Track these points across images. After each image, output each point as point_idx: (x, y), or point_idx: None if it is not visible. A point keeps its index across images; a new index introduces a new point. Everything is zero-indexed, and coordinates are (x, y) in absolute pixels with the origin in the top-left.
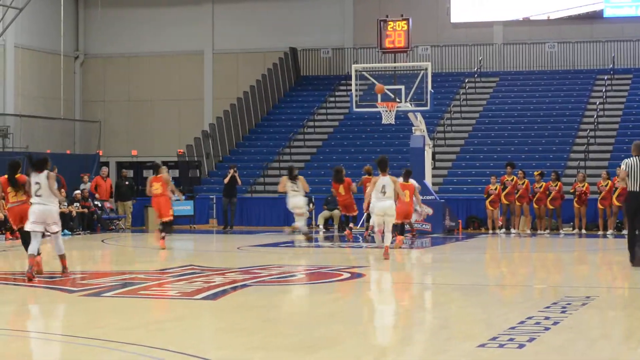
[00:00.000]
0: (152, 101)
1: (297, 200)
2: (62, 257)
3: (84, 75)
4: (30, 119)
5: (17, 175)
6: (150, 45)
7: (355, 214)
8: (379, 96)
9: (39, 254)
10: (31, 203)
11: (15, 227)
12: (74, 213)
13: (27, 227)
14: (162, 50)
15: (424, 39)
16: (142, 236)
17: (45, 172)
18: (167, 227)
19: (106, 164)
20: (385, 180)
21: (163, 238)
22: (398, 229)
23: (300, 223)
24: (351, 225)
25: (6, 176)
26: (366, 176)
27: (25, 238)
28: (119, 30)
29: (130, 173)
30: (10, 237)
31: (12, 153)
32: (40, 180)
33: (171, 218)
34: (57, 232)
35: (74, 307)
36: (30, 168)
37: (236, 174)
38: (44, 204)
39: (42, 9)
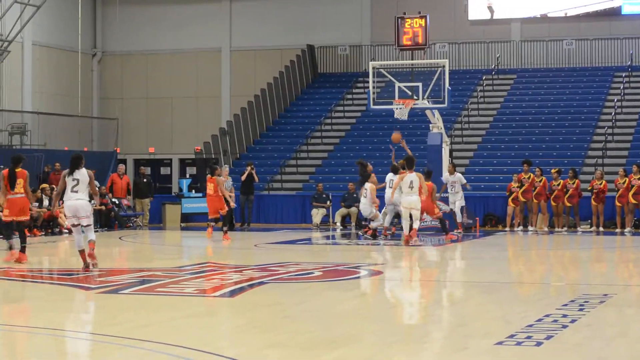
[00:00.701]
0: (169, 98)
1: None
2: (90, 250)
3: (101, 73)
4: (48, 116)
5: (17, 170)
6: (168, 42)
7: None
8: (396, 93)
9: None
10: (64, 200)
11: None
12: (96, 209)
13: (69, 222)
14: (180, 48)
15: (441, 36)
16: (159, 233)
17: (84, 169)
18: (225, 221)
19: (124, 161)
20: (412, 177)
21: (225, 232)
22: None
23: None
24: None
25: (7, 170)
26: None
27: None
28: (137, 28)
29: (148, 170)
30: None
31: (30, 150)
32: (79, 177)
33: (223, 213)
34: (88, 225)
35: (91, 304)
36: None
37: (253, 171)
38: (80, 199)
39: (60, 7)
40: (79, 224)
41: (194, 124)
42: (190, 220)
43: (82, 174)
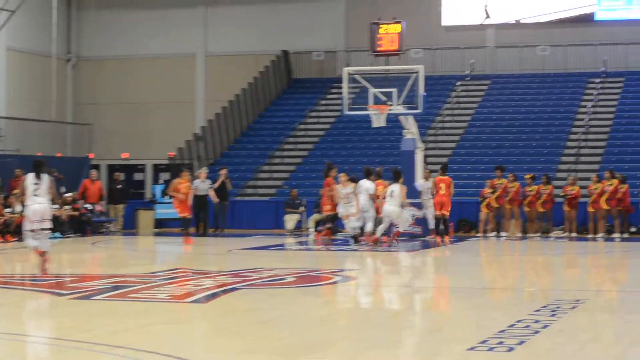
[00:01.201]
0: (144, 104)
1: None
2: (44, 255)
3: (76, 78)
4: (21, 121)
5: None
6: (143, 47)
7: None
8: (371, 99)
9: None
10: (28, 204)
11: None
12: (64, 216)
13: (29, 226)
14: (155, 53)
15: (416, 42)
16: (132, 239)
17: (46, 174)
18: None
19: (97, 166)
20: (394, 187)
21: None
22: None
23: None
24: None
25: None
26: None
27: None
28: (112, 33)
29: (122, 176)
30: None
31: (3, 156)
32: (40, 181)
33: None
34: (50, 229)
35: (63, 310)
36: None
37: (227, 180)
38: (43, 202)
39: (34, 12)
40: (40, 229)
41: (168, 129)
42: (163, 226)
43: (44, 178)
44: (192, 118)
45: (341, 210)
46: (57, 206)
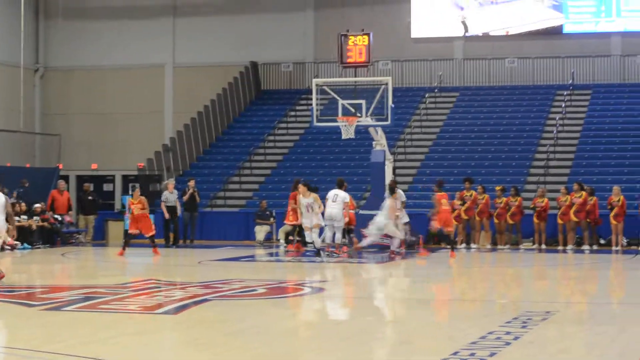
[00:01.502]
0: (113, 114)
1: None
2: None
3: (44, 88)
4: None
5: None
6: (112, 58)
7: None
8: (340, 111)
9: None
10: None
11: None
12: (33, 227)
13: None
14: (124, 64)
15: (384, 53)
16: (102, 250)
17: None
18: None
19: (67, 177)
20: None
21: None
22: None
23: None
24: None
25: None
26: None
27: None
28: (80, 43)
29: (92, 187)
30: None
31: None
32: None
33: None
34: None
35: (33, 321)
36: None
37: (195, 193)
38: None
39: (2, 21)
40: None
41: (137, 140)
42: (133, 237)
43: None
44: (161, 129)
45: (305, 222)
46: (25, 217)
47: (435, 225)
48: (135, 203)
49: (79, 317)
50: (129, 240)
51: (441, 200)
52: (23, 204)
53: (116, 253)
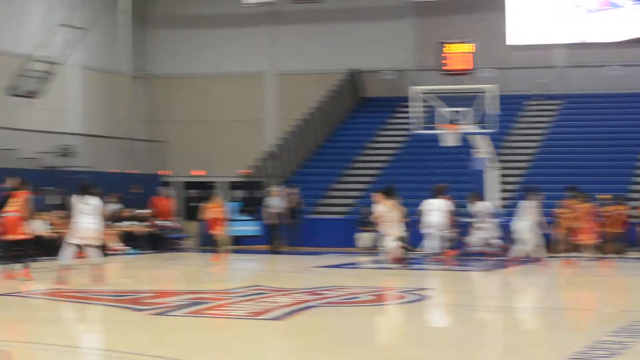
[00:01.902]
0: (214, 121)
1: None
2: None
3: (148, 96)
4: (94, 138)
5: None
6: (214, 65)
7: None
8: (441, 118)
9: None
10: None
11: None
12: (139, 232)
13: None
14: (226, 71)
15: (484, 61)
16: (207, 256)
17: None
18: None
19: (171, 184)
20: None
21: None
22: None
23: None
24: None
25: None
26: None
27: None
28: (184, 51)
29: (201, 193)
30: None
31: (77, 172)
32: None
33: None
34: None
35: (141, 326)
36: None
37: (298, 199)
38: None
39: (108, 30)
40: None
41: (237, 147)
42: (240, 243)
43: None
44: (262, 136)
45: (383, 230)
46: (132, 223)
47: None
48: (213, 207)
49: (186, 322)
50: (217, 245)
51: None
52: (128, 210)
53: (213, 259)
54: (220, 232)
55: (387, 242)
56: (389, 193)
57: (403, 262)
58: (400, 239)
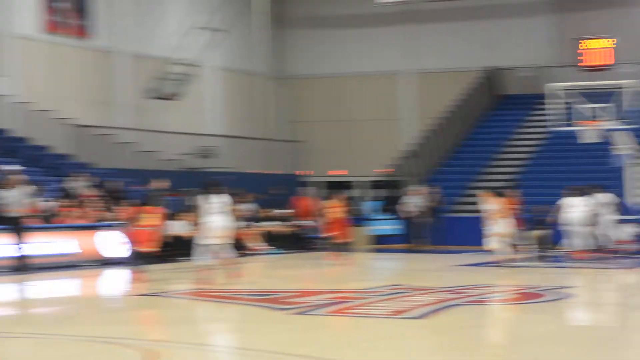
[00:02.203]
0: (351, 121)
1: None
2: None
3: (286, 96)
4: (234, 139)
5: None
6: (350, 65)
7: None
8: (580, 115)
9: None
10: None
11: None
12: (280, 232)
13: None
14: (361, 70)
15: (624, 55)
16: (347, 255)
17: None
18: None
19: (309, 183)
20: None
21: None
22: None
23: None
24: None
25: None
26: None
27: None
28: (319, 51)
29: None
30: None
31: (217, 173)
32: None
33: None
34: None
35: (283, 325)
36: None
37: (437, 198)
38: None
39: (245, 32)
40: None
41: (374, 146)
42: (380, 242)
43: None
44: (398, 135)
45: (491, 228)
46: (275, 222)
47: None
48: (332, 207)
49: (327, 321)
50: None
51: None
52: (267, 210)
53: (329, 257)
54: (341, 232)
55: (493, 241)
56: (497, 192)
57: (591, 256)
58: (508, 236)
